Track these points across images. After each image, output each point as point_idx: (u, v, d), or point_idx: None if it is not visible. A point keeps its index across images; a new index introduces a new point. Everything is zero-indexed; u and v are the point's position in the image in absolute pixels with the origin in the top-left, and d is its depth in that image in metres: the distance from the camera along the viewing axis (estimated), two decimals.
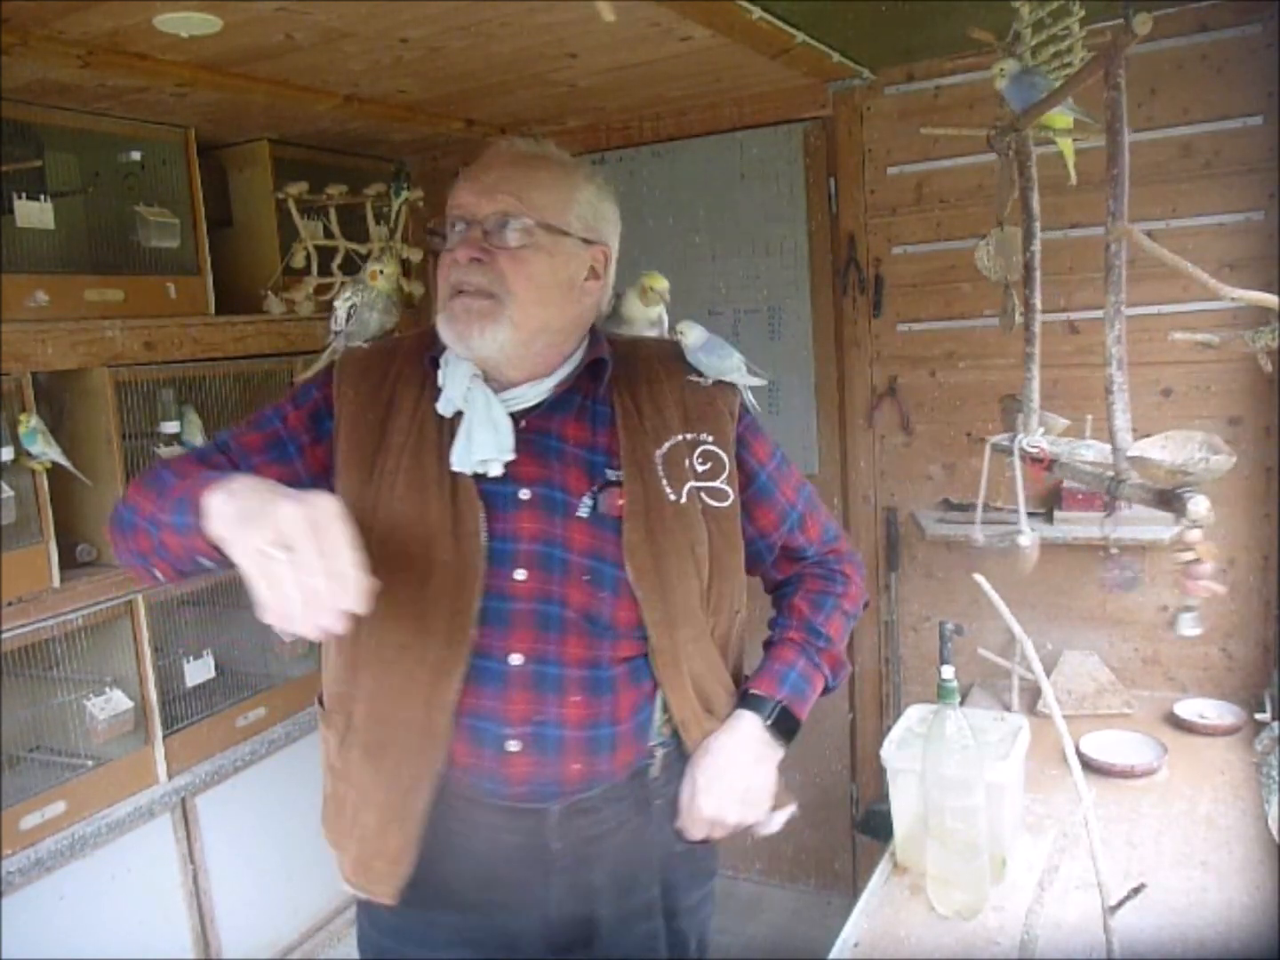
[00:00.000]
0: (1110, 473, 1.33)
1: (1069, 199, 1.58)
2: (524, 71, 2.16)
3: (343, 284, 2.09)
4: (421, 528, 1.18)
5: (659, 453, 1.23)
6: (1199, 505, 1.14)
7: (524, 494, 1.19)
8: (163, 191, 2.26)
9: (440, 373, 1.24)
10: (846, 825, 2.76)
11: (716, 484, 1.25)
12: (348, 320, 1.83)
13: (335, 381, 1.27)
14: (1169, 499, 1.18)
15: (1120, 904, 1.17)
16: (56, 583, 1.94)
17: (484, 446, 1.18)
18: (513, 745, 1.17)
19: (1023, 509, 1.65)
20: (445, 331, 1.20)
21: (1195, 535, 1.21)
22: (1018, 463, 1.59)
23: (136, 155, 2.23)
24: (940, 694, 1.39)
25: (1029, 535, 1.65)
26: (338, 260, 2.54)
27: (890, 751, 1.54)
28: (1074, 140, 1.51)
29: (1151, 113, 2.10)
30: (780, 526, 1.35)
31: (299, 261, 2.48)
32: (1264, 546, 2.15)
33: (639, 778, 1.24)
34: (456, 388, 1.21)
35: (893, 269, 2.46)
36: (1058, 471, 1.54)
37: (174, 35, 1.71)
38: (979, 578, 1.38)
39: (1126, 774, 1.78)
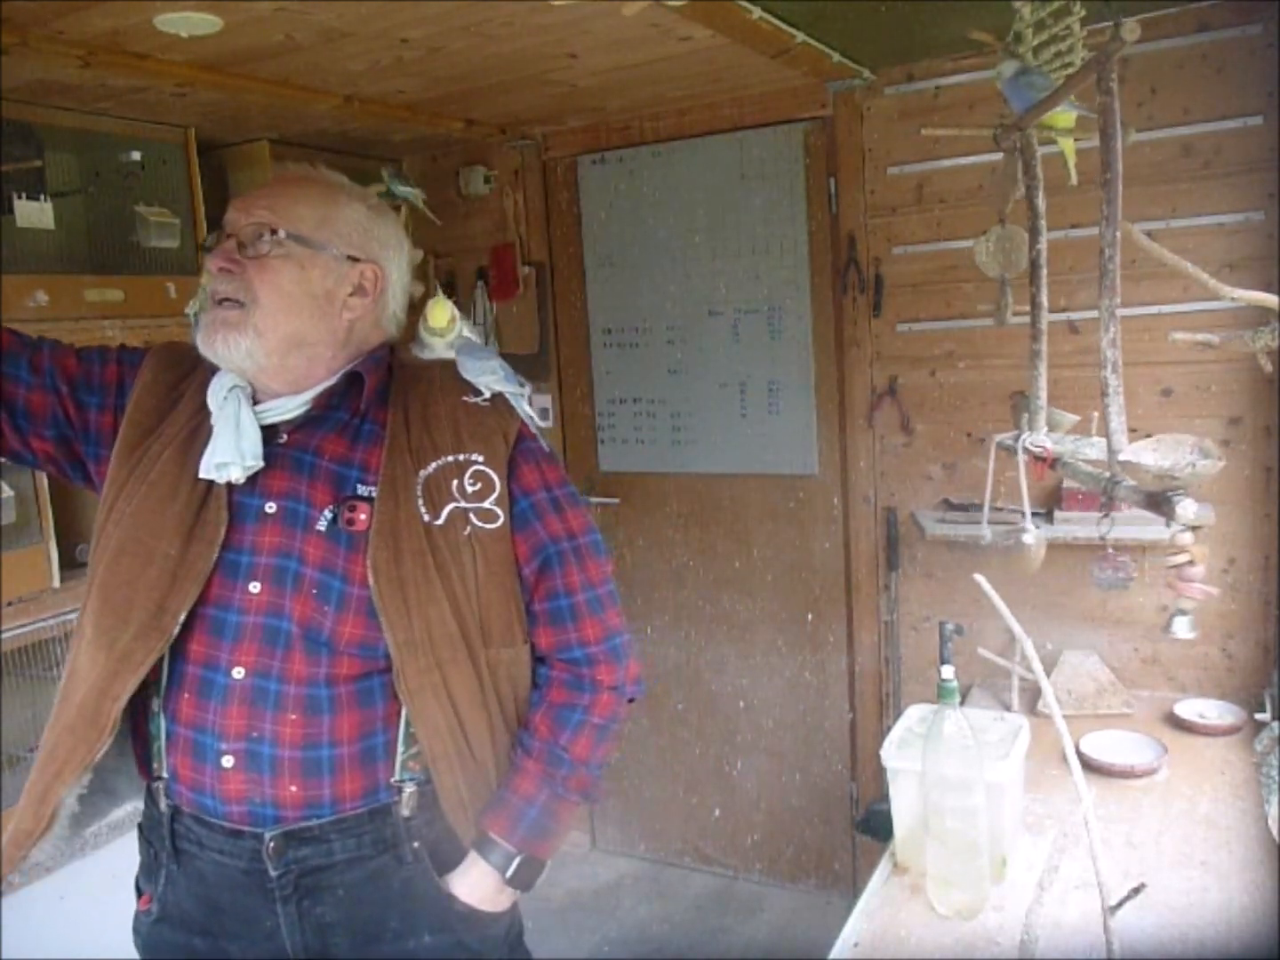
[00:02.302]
0: (1108, 473, 1.33)
1: (1070, 199, 1.58)
2: (524, 71, 2.16)
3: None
4: (157, 519, 1.18)
5: (423, 473, 1.21)
6: (1187, 509, 1.15)
7: (270, 507, 1.19)
8: (163, 191, 2.26)
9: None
10: (846, 825, 2.76)
11: (485, 504, 1.22)
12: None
13: (143, 363, 1.31)
14: (1158, 502, 1.19)
15: (1120, 904, 1.17)
16: (56, 583, 1.94)
17: (223, 451, 1.17)
18: (227, 761, 1.15)
19: (1027, 508, 1.65)
20: (198, 342, 1.21)
21: (1186, 538, 1.22)
22: (1022, 462, 1.59)
23: (136, 155, 2.23)
24: (940, 694, 1.39)
25: (1033, 534, 1.65)
26: None
27: (890, 751, 1.54)
28: (1075, 140, 1.51)
29: (1151, 113, 2.10)
30: (532, 561, 1.25)
31: None
32: (1264, 546, 2.15)
33: (383, 814, 1.19)
34: (215, 397, 1.22)
35: (893, 269, 2.46)
36: (1060, 470, 1.54)
37: (174, 35, 1.71)
38: (979, 578, 1.38)
39: (1126, 774, 1.78)
